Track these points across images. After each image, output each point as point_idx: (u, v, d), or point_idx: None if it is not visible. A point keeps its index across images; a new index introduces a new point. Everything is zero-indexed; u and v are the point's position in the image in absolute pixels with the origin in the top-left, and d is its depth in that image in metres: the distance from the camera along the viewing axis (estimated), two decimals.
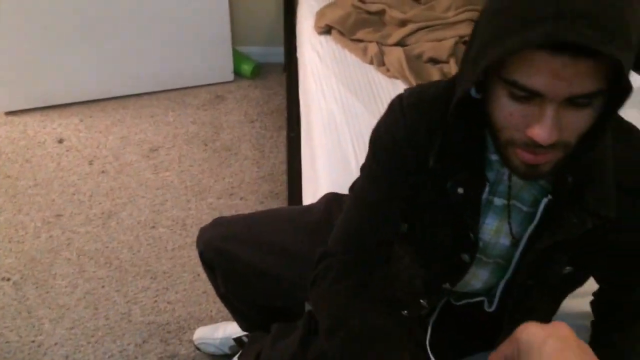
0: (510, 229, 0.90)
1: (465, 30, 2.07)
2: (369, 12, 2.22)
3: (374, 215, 0.94)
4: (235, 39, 2.96)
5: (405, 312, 1.14)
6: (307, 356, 1.11)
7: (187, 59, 2.81)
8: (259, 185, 2.36)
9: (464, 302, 1.11)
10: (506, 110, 0.69)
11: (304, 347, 1.12)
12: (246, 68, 2.98)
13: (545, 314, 1.07)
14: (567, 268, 0.89)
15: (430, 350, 1.13)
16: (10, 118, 2.63)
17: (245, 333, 1.63)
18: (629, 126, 0.85)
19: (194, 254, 2.05)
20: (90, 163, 2.42)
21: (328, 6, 2.30)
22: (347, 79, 1.94)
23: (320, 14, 2.26)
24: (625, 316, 1.01)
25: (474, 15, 2.11)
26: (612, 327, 1.03)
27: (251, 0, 2.96)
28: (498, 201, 0.89)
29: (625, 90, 0.64)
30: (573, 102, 0.65)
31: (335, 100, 1.83)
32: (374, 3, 2.24)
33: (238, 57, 2.98)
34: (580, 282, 1.01)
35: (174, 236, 2.13)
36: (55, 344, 1.77)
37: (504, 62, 0.67)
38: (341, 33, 2.15)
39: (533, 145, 0.69)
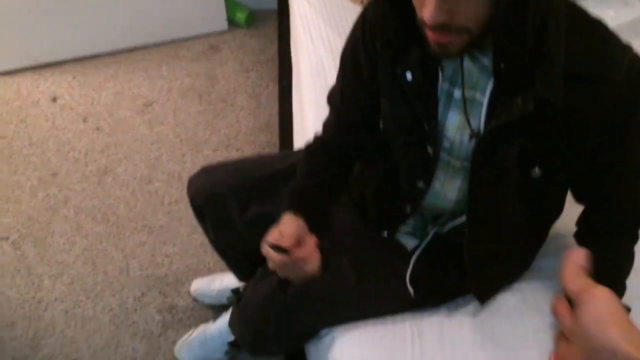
0: (469, 121, 0.90)
1: None
2: None
3: (347, 97, 1.09)
4: None
5: (385, 232, 1.16)
6: (287, 292, 1.11)
7: (178, 9, 2.73)
8: (255, 136, 2.32)
9: (449, 226, 1.10)
10: None
11: (283, 285, 1.11)
12: (240, 16, 2.90)
13: (519, 232, 1.05)
14: (536, 171, 0.88)
15: (411, 285, 1.12)
16: (3, 79, 2.60)
17: (242, 284, 1.63)
18: (593, 20, 0.83)
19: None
20: (85, 120, 2.40)
21: None
22: (336, 22, 1.87)
23: None
24: (601, 232, 1.00)
25: None
26: (589, 242, 1.01)
27: None
28: (457, 94, 0.90)
29: None
30: None
31: (324, 44, 1.77)
32: None
33: (231, 5, 2.90)
34: (555, 198, 1.00)
35: (170, 190, 2.11)
36: (55, 299, 1.78)
37: None
38: None
39: (430, 27, 0.74)
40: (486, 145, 0.88)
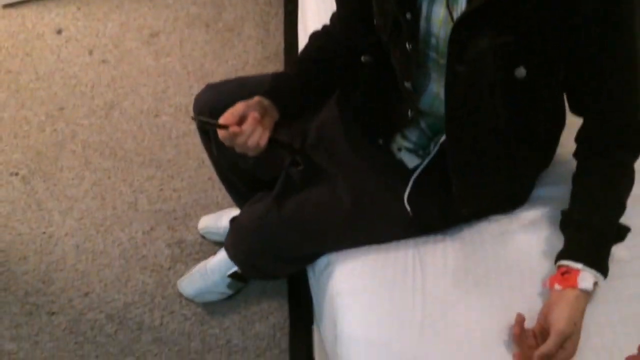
0: (451, 14, 0.88)
1: None
2: None
3: None
4: None
5: (381, 140, 1.15)
6: (281, 212, 1.09)
7: None
8: (263, 67, 2.25)
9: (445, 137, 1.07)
10: None
11: (278, 203, 1.11)
12: None
13: (505, 142, 1.01)
14: (521, 70, 0.85)
15: (410, 206, 1.11)
16: (7, 11, 2.54)
17: None
18: None
19: (198, 140, 1.99)
20: (90, 53, 2.34)
21: None
22: None
23: None
24: (598, 147, 0.98)
25: None
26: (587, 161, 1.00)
27: None
28: None
29: None
30: None
31: None
32: None
33: None
34: (547, 106, 0.96)
35: (177, 123, 2.08)
36: (66, 234, 1.80)
37: None
38: None
39: None
40: (459, 35, 0.85)
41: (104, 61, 2.30)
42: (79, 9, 2.53)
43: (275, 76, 1.16)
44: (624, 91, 0.90)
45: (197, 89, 2.16)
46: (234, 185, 1.46)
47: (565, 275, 0.95)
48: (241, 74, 2.22)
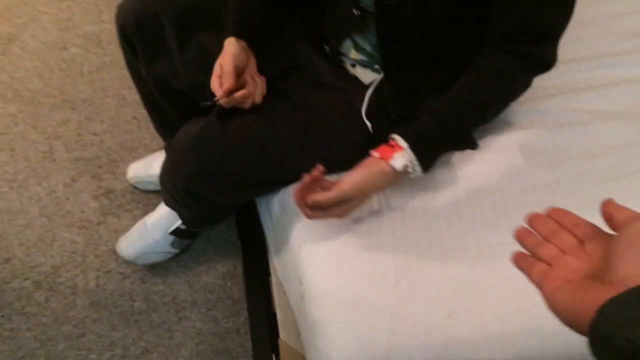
0: None
1: None
2: None
3: None
4: None
5: (327, 47, 1.08)
6: (225, 126, 0.98)
7: None
8: None
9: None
10: None
11: (221, 119, 0.99)
12: None
13: (445, 38, 0.96)
14: None
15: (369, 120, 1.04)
16: None
17: None
18: None
19: (116, 74, 1.77)
20: None
21: None
22: None
23: None
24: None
25: None
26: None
27: None
28: None
29: None
30: None
31: None
32: None
33: None
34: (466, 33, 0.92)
35: (89, 56, 1.82)
36: None
37: None
38: None
39: None
40: None
41: None
42: None
43: (237, 8, 1.04)
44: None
45: (107, 14, 1.90)
46: (163, 113, 1.29)
47: (388, 148, 0.92)
48: None
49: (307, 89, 1.07)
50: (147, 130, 1.66)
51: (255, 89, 1.00)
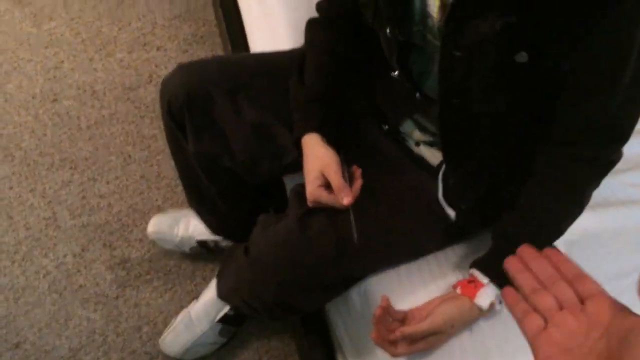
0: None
1: None
2: None
3: None
4: None
5: (386, 126, 1.06)
6: (307, 233, 0.93)
7: None
8: (176, 28, 1.90)
9: None
10: None
11: (302, 224, 0.94)
12: None
13: (510, 143, 0.92)
14: (522, 54, 0.75)
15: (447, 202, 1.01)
16: None
17: (213, 238, 1.35)
18: None
19: (117, 129, 1.67)
20: None
21: None
22: None
23: None
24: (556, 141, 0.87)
25: None
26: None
27: None
28: None
29: None
30: None
31: None
32: None
33: None
34: (542, 92, 0.83)
35: (85, 109, 1.70)
36: None
37: None
38: None
39: None
40: (454, 17, 0.76)
41: None
42: None
43: (313, 104, 0.99)
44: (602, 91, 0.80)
45: (99, 62, 1.79)
46: (204, 192, 1.22)
47: (470, 284, 0.91)
48: (151, 39, 1.86)
49: (378, 174, 1.03)
50: (158, 190, 1.57)
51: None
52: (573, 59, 0.75)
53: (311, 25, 1.06)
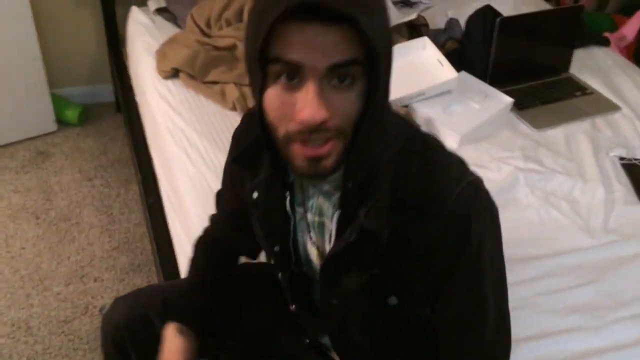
0: (317, 245, 0.89)
1: None
2: (218, 48, 1.97)
3: (225, 201, 1.12)
4: (52, 82, 2.49)
5: (307, 340, 1.09)
6: None
7: None
8: (114, 259, 2.00)
9: None
10: (277, 103, 0.70)
11: None
12: (70, 114, 2.55)
13: None
14: (392, 298, 0.83)
15: None
16: None
17: None
18: (429, 144, 0.82)
19: None
20: None
21: (168, 44, 2.00)
22: (211, 132, 1.68)
23: (161, 55, 1.96)
24: None
25: None
26: None
27: (66, 38, 2.53)
28: (310, 217, 0.88)
29: (376, 57, 0.66)
30: (336, 78, 0.67)
31: (205, 161, 1.57)
32: (222, 37, 1.99)
33: (59, 102, 2.54)
34: (415, 327, 0.88)
35: (18, 346, 1.71)
36: None
37: (269, 48, 0.67)
38: (191, 76, 1.88)
39: (307, 132, 0.69)
40: (327, 273, 0.85)
41: None
42: None
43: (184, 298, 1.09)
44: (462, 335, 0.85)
45: (36, 297, 1.85)
46: None
47: None
48: (89, 271, 1.94)
49: None
50: None
51: None
52: (440, 300, 0.82)
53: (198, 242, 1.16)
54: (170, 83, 1.89)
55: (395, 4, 2.29)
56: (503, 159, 1.67)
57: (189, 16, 2.09)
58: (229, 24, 2.06)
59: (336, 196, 0.82)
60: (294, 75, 0.68)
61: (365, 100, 0.70)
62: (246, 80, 1.83)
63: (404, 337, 0.91)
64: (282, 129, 0.71)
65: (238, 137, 0.98)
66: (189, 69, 1.87)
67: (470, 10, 2.00)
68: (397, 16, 2.11)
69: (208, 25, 2.06)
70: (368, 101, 0.70)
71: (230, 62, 1.94)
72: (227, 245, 1.14)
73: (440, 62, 1.88)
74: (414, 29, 2.08)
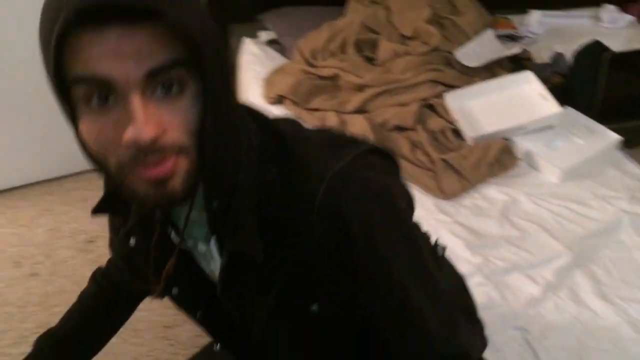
0: (204, 273, 0.79)
1: (427, 92, 1.96)
2: (321, 78, 2.07)
3: (113, 250, 1.06)
4: None
5: None
6: None
7: None
8: None
9: None
10: (95, 131, 0.58)
11: None
12: None
13: None
14: (314, 305, 0.73)
15: None
16: None
17: None
18: (282, 134, 0.70)
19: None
20: (18, 265, 2.11)
21: (276, 73, 2.13)
22: None
23: (268, 83, 2.09)
24: None
25: (434, 75, 2.01)
26: None
27: None
28: (200, 246, 0.77)
29: (199, 52, 0.56)
30: (160, 87, 0.56)
31: None
32: (325, 67, 2.09)
33: None
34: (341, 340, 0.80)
35: (126, 347, 1.86)
36: None
37: (66, 68, 0.55)
38: (295, 102, 1.98)
39: (142, 154, 0.57)
40: (231, 301, 0.75)
41: (34, 274, 2.08)
42: (2, 213, 2.32)
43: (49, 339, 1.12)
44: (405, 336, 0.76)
45: (149, 300, 1.98)
46: None
47: None
48: None
49: None
50: None
51: None
52: (362, 302, 0.72)
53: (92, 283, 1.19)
54: (275, 109, 2.00)
55: (499, 37, 2.29)
56: (607, 198, 1.62)
57: (296, 47, 2.21)
58: (332, 54, 2.16)
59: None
60: (107, 95, 0.56)
61: (204, 105, 0.59)
62: (344, 108, 1.94)
63: (340, 349, 0.81)
64: (112, 160, 0.59)
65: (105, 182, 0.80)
66: (293, 96, 1.97)
67: (576, 45, 1.97)
68: (499, 49, 2.11)
69: (313, 56, 2.16)
70: (205, 106, 0.59)
71: (332, 91, 2.03)
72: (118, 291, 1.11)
73: (543, 97, 1.86)
74: (518, 63, 2.07)
